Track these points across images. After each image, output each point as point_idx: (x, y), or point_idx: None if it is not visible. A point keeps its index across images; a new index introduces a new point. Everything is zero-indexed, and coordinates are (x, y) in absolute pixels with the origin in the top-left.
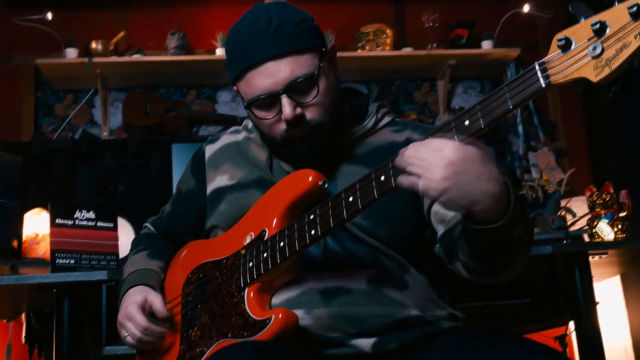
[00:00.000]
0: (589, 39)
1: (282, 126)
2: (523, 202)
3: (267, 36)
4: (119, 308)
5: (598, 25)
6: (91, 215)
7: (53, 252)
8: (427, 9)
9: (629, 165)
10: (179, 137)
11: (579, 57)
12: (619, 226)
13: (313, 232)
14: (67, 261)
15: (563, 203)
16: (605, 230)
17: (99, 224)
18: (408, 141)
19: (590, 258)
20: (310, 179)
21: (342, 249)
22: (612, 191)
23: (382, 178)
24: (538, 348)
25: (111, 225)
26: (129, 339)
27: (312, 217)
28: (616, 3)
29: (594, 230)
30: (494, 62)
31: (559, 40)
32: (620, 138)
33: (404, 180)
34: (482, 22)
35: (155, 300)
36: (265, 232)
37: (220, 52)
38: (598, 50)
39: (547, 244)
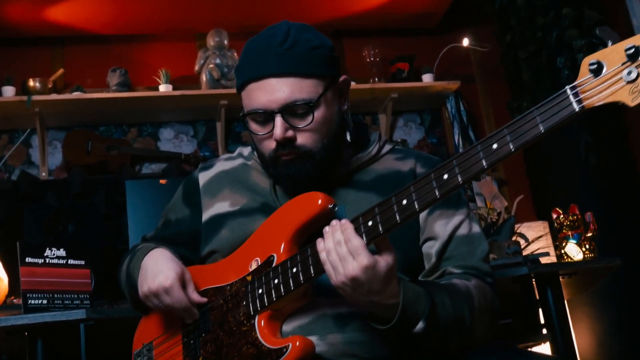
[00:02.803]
0: (622, 64)
1: (272, 145)
2: (433, 305)
3: (276, 53)
4: (135, 274)
5: (633, 50)
6: (62, 253)
7: (24, 292)
8: (366, 44)
9: (568, 193)
10: (124, 175)
11: (612, 81)
12: (587, 246)
13: None
14: (40, 301)
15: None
16: (574, 251)
17: (70, 261)
18: (412, 172)
19: (560, 278)
20: (319, 202)
21: None
22: (577, 212)
23: (405, 202)
24: None
25: (82, 262)
26: (160, 307)
27: None
28: None
29: (562, 251)
30: (435, 95)
31: (591, 64)
32: (558, 166)
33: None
34: (420, 56)
35: (191, 284)
36: (274, 257)
37: (163, 88)
38: (633, 75)
39: (506, 268)
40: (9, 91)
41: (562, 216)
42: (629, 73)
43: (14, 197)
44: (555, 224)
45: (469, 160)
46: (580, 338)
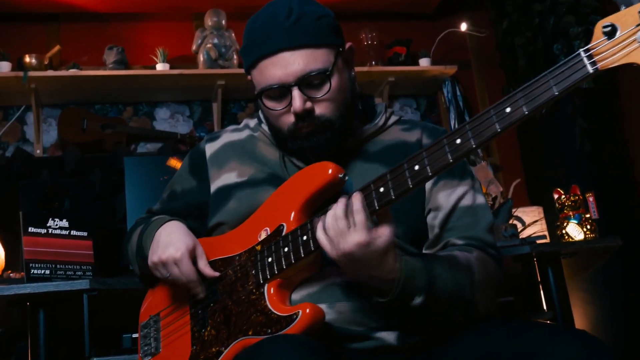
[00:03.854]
0: (636, 25)
1: (291, 119)
2: (431, 279)
3: (284, 27)
4: (147, 244)
5: None
6: (64, 223)
7: (27, 262)
8: (363, 27)
9: (562, 179)
10: (119, 154)
11: (626, 43)
12: (588, 227)
13: None
14: (43, 271)
15: None
16: (575, 231)
17: (73, 232)
18: (418, 143)
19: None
20: (330, 171)
21: None
22: (579, 193)
23: (417, 167)
24: (566, 333)
25: (85, 234)
26: (168, 278)
27: None
28: None
29: (563, 231)
30: (431, 80)
31: (604, 26)
32: (553, 152)
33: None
34: (417, 41)
35: (203, 257)
36: (283, 226)
37: (160, 67)
38: None
39: (508, 248)
40: (5, 67)
41: (563, 197)
42: None
43: (8, 174)
44: (557, 205)
45: (482, 125)
46: (576, 320)
